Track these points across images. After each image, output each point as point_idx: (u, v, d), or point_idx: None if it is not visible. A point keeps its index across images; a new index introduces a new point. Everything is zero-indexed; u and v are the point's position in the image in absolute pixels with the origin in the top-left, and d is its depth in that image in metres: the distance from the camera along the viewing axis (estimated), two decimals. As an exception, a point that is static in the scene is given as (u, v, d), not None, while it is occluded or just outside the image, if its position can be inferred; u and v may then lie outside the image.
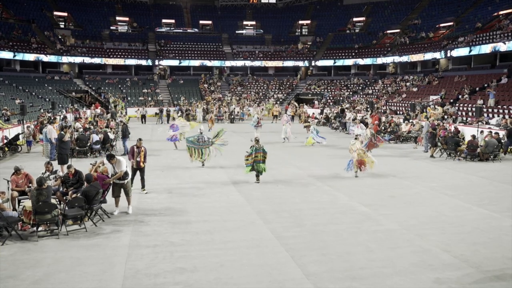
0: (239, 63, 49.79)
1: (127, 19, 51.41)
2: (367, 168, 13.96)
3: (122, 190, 10.12)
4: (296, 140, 23.52)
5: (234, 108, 37.69)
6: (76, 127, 20.43)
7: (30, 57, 41.16)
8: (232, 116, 36.00)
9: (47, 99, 36.27)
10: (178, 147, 19.82)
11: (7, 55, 39.45)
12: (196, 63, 48.97)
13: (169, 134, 19.90)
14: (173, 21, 52.29)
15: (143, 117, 34.38)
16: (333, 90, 45.18)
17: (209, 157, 15.47)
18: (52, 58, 42.93)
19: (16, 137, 19.36)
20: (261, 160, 13.18)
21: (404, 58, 42.26)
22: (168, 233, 8.66)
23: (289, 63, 50.02)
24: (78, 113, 32.71)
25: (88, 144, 17.97)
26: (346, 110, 32.53)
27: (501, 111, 25.88)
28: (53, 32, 46.00)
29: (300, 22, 53.54)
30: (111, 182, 9.97)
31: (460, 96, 31.29)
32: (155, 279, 6.64)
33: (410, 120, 24.84)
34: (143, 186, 11.91)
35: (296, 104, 40.03)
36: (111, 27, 49.85)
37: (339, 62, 47.72)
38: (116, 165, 9.97)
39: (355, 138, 14.56)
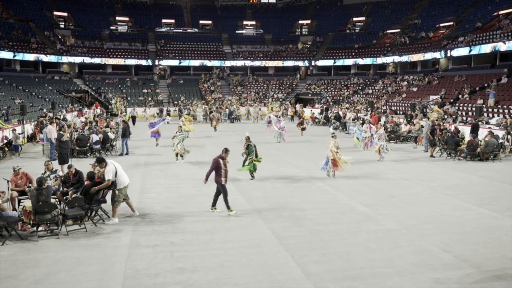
0: (239, 63, 49.80)
1: (127, 19, 51.41)
2: (339, 169, 13.70)
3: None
4: (296, 140, 23.53)
5: (235, 108, 37.72)
6: (75, 122, 20.36)
7: (30, 57, 41.17)
8: (233, 116, 36.01)
9: (47, 99, 36.27)
10: (159, 143, 20.74)
11: (7, 55, 39.46)
12: (196, 63, 48.99)
13: (150, 131, 20.78)
14: (173, 21, 52.29)
15: (133, 118, 32.86)
16: (333, 90, 45.20)
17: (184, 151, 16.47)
18: (52, 58, 42.94)
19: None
20: (257, 159, 13.49)
21: (404, 58, 42.27)
22: (168, 233, 8.66)
23: (289, 63, 50.03)
24: (81, 113, 32.74)
25: (88, 144, 17.98)
26: (345, 110, 32.54)
27: (501, 110, 25.89)
28: (53, 32, 46.00)
29: (300, 22, 53.53)
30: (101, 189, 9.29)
31: (460, 96, 31.30)
32: (155, 279, 6.64)
33: (412, 120, 24.75)
34: (228, 207, 9.89)
35: (289, 104, 39.98)
36: (111, 27, 49.85)
37: (339, 62, 47.73)
38: (105, 172, 9.27)
39: (332, 137, 14.26)
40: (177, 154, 16.67)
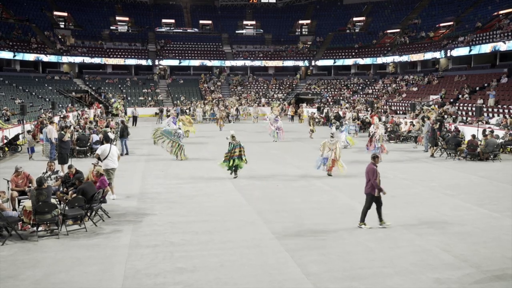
0: (239, 63, 49.78)
1: (127, 19, 51.39)
2: (337, 169, 13.94)
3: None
4: (296, 140, 23.52)
5: (237, 108, 37.86)
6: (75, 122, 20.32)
7: (30, 57, 41.13)
8: (231, 116, 36.07)
9: (47, 99, 36.25)
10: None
11: (7, 55, 39.42)
12: (196, 63, 48.97)
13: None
14: (173, 21, 52.27)
15: (134, 118, 32.20)
16: (333, 90, 45.20)
17: (180, 151, 17.01)
18: (52, 58, 42.91)
19: (16, 137, 19.36)
20: (238, 155, 13.63)
21: (404, 58, 42.26)
22: (168, 233, 8.67)
23: (289, 63, 50.01)
24: (84, 112, 32.77)
25: (88, 144, 17.98)
26: (345, 110, 32.52)
27: (501, 110, 25.88)
28: (53, 32, 45.98)
29: (300, 22, 53.51)
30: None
31: (460, 96, 31.29)
32: (155, 279, 6.64)
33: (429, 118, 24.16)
34: (381, 219, 9.02)
35: (281, 106, 39.94)
36: (111, 27, 49.82)
37: (339, 62, 47.71)
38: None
39: (331, 137, 14.39)
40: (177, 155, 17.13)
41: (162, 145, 17.18)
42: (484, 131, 18.95)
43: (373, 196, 8.82)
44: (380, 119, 26.24)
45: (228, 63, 49.75)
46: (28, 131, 19.17)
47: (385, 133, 22.97)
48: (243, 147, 13.91)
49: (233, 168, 13.77)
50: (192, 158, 17.41)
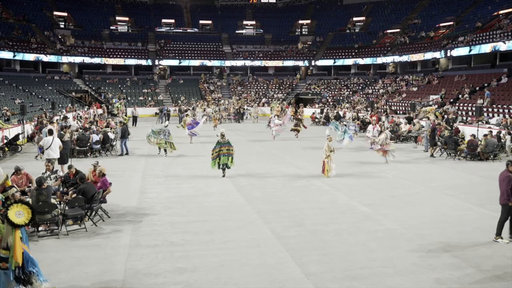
0: (239, 63, 49.77)
1: (127, 19, 51.37)
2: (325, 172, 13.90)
3: None
4: (296, 140, 23.52)
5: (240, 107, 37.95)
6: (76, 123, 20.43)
7: (30, 57, 41.10)
8: (237, 116, 36.12)
9: (47, 99, 36.24)
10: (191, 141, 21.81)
11: (7, 55, 39.38)
12: (196, 63, 48.96)
13: (191, 130, 21.80)
14: (173, 21, 52.26)
15: (135, 118, 31.92)
16: (333, 90, 45.20)
17: (168, 147, 17.63)
18: (52, 58, 42.88)
19: (16, 137, 19.36)
20: (226, 153, 13.55)
21: (404, 58, 42.24)
22: (168, 233, 8.67)
23: (289, 63, 50.00)
24: (84, 112, 32.79)
25: (88, 144, 17.97)
26: (345, 110, 32.50)
27: (501, 110, 25.88)
28: (53, 32, 45.97)
29: (300, 21, 53.49)
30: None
31: (460, 96, 31.30)
32: (155, 279, 6.65)
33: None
34: (499, 233, 8.21)
35: (278, 105, 40.02)
36: (111, 27, 49.79)
37: (339, 62, 47.68)
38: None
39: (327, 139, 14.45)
40: (159, 148, 17.93)
41: (150, 141, 17.95)
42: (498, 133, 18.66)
43: (510, 207, 8.07)
44: (380, 119, 26.23)
45: (228, 63, 49.73)
46: (38, 131, 19.54)
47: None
48: (232, 146, 13.75)
49: (221, 167, 13.61)
50: (192, 158, 17.40)
